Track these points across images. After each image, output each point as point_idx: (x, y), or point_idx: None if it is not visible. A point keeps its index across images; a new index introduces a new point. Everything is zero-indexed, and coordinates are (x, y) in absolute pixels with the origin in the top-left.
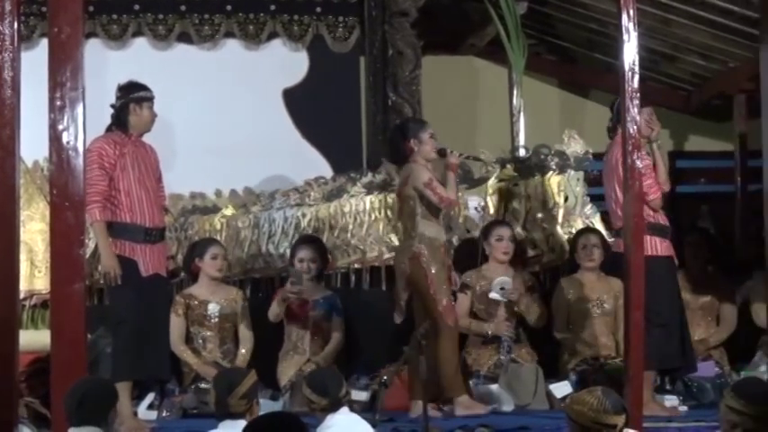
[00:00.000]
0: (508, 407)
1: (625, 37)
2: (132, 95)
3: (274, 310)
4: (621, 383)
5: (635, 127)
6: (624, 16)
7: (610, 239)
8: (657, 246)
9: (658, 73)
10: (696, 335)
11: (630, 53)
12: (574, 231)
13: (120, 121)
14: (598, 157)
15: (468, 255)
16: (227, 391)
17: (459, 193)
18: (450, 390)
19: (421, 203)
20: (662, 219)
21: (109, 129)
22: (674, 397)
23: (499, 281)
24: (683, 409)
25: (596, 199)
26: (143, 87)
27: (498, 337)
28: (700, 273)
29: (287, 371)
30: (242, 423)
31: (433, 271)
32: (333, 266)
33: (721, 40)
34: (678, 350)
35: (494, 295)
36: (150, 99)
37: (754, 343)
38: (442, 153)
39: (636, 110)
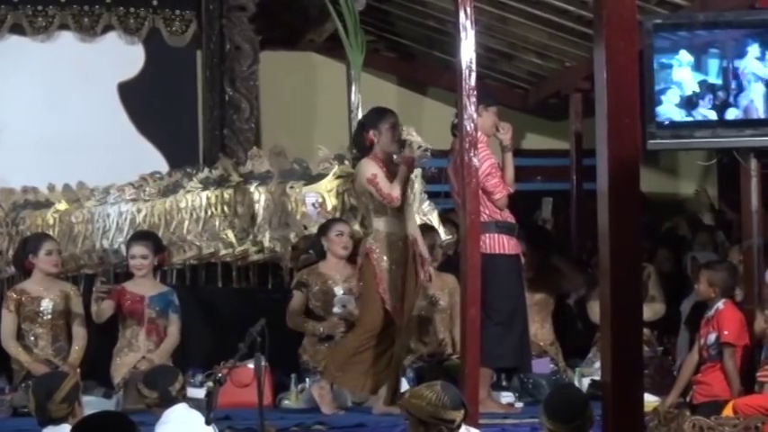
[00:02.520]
0: (344, 404)
1: (462, 35)
2: None
3: (94, 310)
4: (459, 381)
5: (472, 125)
6: (461, 14)
7: (446, 237)
8: (504, 244)
9: (496, 71)
10: (531, 330)
11: (468, 51)
12: None
13: None
14: (436, 154)
15: (305, 252)
16: (45, 396)
17: (298, 189)
18: (326, 372)
19: (372, 199)
20: (509, 217)
21: None
22: (511, 394)
23: (341, 299)
24: (519, 405)
25: (434, 196)
26: None
27: (333, 336)
28: (534, 270)
29: (120, 368)
30: (65, 427)
31: (384, 266)
32: (168, 263)
33: (558, 40)
34: (515, 349)
35: (336, 310)
36: None
37: (589, 340)
38: (401, 144)
39: (473, 108)
